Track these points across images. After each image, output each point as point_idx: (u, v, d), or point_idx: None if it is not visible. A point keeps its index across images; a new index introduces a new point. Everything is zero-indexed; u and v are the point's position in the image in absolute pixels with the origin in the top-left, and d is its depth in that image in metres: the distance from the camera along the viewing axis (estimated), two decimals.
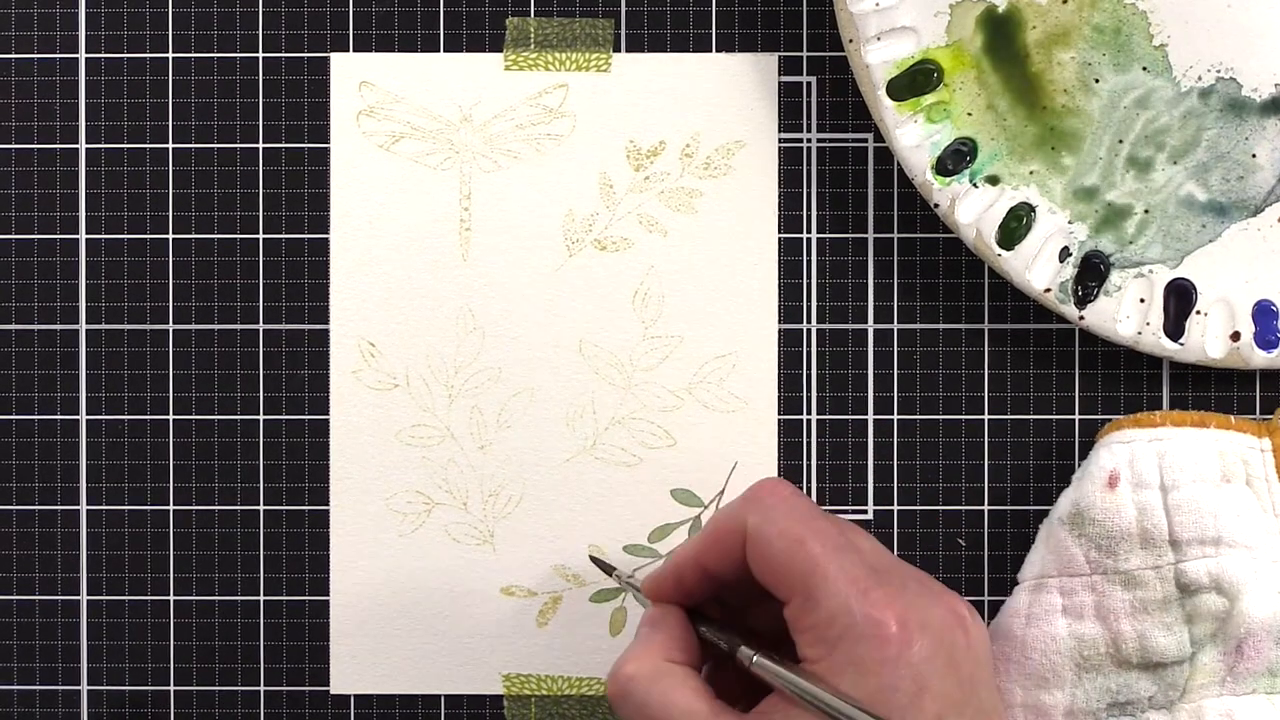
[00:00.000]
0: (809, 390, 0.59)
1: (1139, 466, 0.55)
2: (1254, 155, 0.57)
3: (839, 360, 0.59)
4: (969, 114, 0.57)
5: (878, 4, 0.56)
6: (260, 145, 0.59)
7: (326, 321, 0.59)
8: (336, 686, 0.59)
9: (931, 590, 0.49)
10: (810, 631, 0.48)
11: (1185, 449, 0.56)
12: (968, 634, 0.49)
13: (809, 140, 0.59)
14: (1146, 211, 0.57)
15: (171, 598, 0.59)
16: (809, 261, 0.59)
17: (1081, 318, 0.57)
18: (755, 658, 0.49)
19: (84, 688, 0.59)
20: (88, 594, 0.59)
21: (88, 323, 0.59)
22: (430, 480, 0.59)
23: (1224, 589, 0.55)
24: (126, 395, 0.59)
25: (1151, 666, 0.55)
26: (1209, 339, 0.57)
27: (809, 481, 0.59)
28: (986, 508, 0.59)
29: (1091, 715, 0.56)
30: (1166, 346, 0.57)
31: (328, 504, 0.59)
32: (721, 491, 0.59)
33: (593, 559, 0.58)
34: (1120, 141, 0.57)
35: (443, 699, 0.59)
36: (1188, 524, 0.55)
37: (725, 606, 0.53)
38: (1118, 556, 0.55)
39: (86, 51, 0.59)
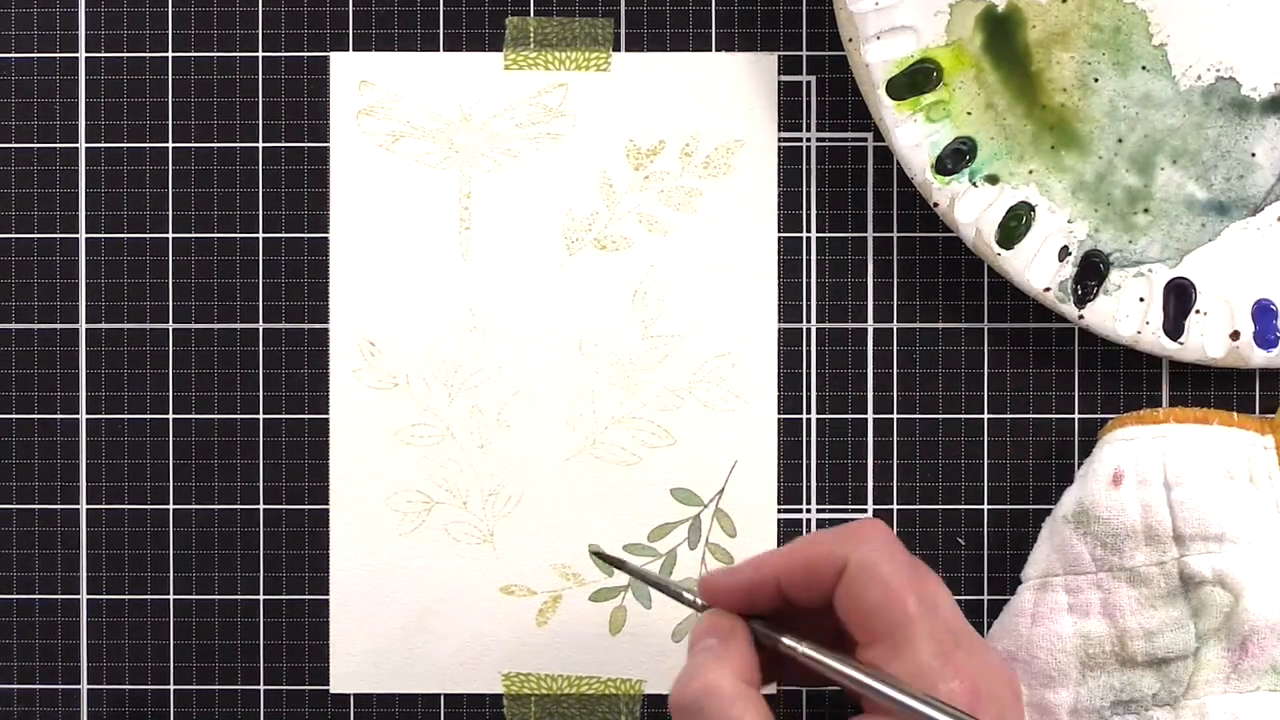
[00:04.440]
0: (809, 389, 0.59)
1: (1143, 464, 0.56)
2: (1253, 155, 0.57)
3: (839, 359, 0.59)
4: (968, 113, 0.57)
5: (877, 3, 0.56)
6: (260, 145, 0.59)
7: (326, 321, 0.59)
8: (336, 686, 0.59)
9: (995, 661, 0.50)
10: None
11: (1188, 446, 0.56)
12: (1019, 706, 0.50)
13: (809, 139, 0.59)
14: (1146, 211, 0.57)
15: (171, 597, 0.59)
16: (808, 261, 0.59)
17: (1081, 317, 0.57)
18: (800, 646, 0.49)
19: (84, 687, 0.59)
20: (88, 593, 0.59)
21: (88, 322, 0.59)
22: (430, 479, 0.59)
23: (1228, 585, 0.55)
24: (126, 395, 0.59)
25: (1156, 663, 0.55)
26: (1208, 338, 0.57)
27: (809, 481, 0.59)
28: (986, 507, 0.59)
29: (1096, 713, 0.56)
30: (1166, 345, 0.57)
31: (328, 503, 0.59)
32: (721, 491, 0.59)
33: (597, 554, 0.57)
34: (1120, 141, 0.57)
35: (442, 698, 0.59)
36: (1191, 520, 0.55)
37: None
38: (1123, 553, 0.55)
39: (86, 51, 0.59)
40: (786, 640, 0.50)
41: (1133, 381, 0.59)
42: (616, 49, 0.59)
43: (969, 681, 0.48)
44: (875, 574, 0.49)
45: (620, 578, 0.59)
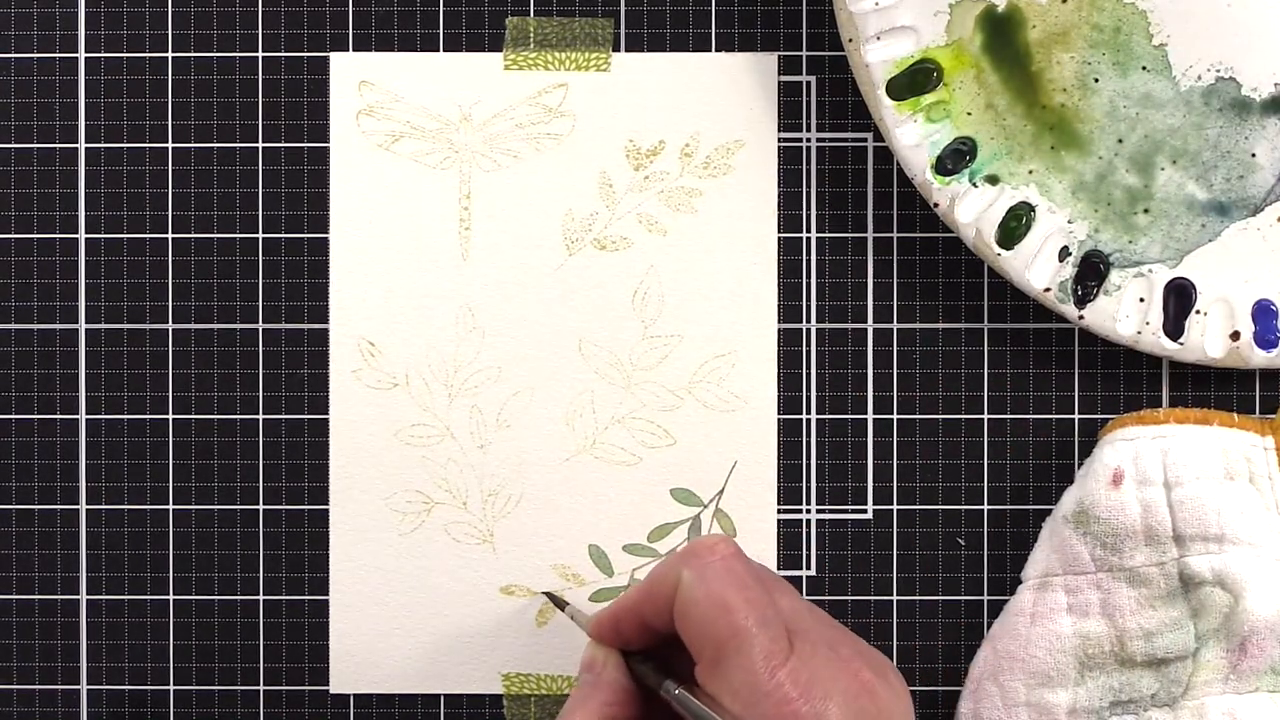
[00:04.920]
0: (809, 390, 0.59)
1: (1143, 464, 0.56)
2: (1254, 155, 0.57)
3: (839, 360, 0.59)
4: (968, 113, 0.57)
5: (877, 3, 0.56)
6: (260, 145, 0.59)
7: (326, 321, 0.59)
8: (336, 686, 0.59)
9: (841, 656, 0.50)
10: (720, 696, 0.49)
11: (1188, 446, 0.56)
12: (876, 700, 0.49)
13: (808, 140, 0.59)
14: (1146, 211, 0.57)
15: (171, 597, 0.59)
16: (808, 261, 0.59)
17: (1081, 317, 0.57)
18: (677, 690, 0.50)
19: (84, 687, 0.59)
20: (87, 594, 0.59)
21: (87, 322, 0.59)
22: (430, 480, 0.59)
23: (1227, 585, 0.55)
24: (126, 395, 0.59)
25: (1155, 664, 0.55)
26: (1208, 338, 0.57)
27: (809, 481, 0.59)
28: (986, 507, 0.59)
29: (1095, 713, 0.56)
30: (1166, 346, 0.57)
31: (327, 503, 0.59)
32: (721, 491, 0.59)
33: (547, 594, 0.58)
34: (1120, 141, 0.57)
35: (442, 699, 0.59)
36: (1191, 520, 0.55)
37: (664, 660, 0.53)
38: (1123, 554, 0.55)
39: (86, 51, 0.59)
40: (664, 681, 0.51)
41: (1133, 382, 0.59)
42: (616, 49, 0.59)
43: (798, 689, 0.48)
44: (703, 588, 0.49)
45: (620, 578, 0.59)
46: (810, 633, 0.50)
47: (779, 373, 0.59)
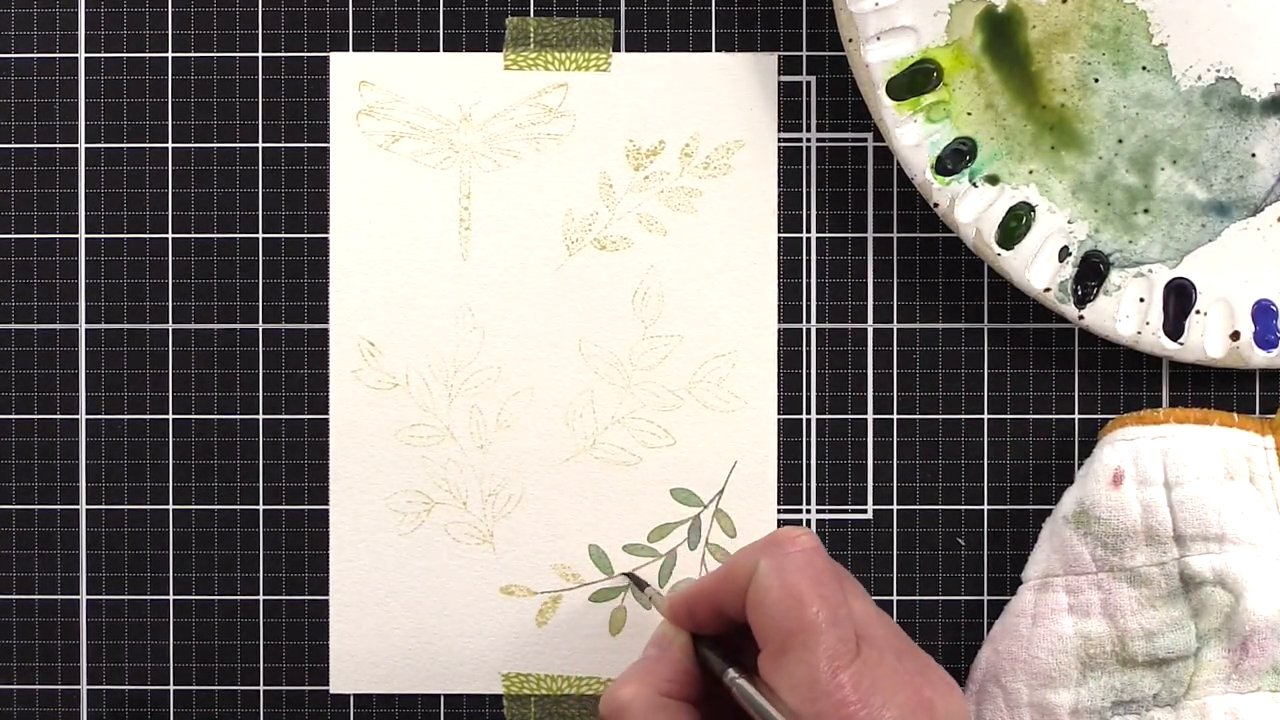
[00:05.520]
0: (809, 390, 0.59)
1: (1143, 464, 0.56)
2: (1254, 155, 0.57)
3: (839, 360, 0.59)
4: (968, 113, 0.57)
5: (877, 3, 0.56)
6: (260, 145, 0.59)
7: (326, 321, 0.59)
8: (336, 686, 0.59)
9: (905, 669, 0.50)
10: (779, 688, 0.48)
11: (1189, 446, 0.56)
12: (933, 718, 0.49)
13: (808, 140, 0.59)
14: (1146, 211, 0.57)
15: (171, 597, 0.59)
16: (809, 261, 0.59)
17: (1081, 317, 0.57)
18: (735, 679, 0.50)
19: (84, 687, 0.59)
20: (87, 594, 0.59)
21: (87, 322, 0.59)
22: (430, 480, 0.59)
23: (1228, 585, 0.55)
24: (126, 395, 0.59)
25: (1157, 664, 0.55)
26: (1208, 338, 0.57)
27: (809, 481, 0.59)
28: (986, 507, 0.59)
29: (1097, 714, 0.56)
30: (1166, 346, 0.57)
31: (327, 504, 0.59)
32: (721, 491, 0.59)
33: (628, 575, 0.58)
34: (1120, 141, 0.57)
35: (442, 699, 0.59)
36: (1191, 520, 0.55)
37: (733, 648, 0.52)
38: (1123, 554, 0.55)
39: (86, 51, 0.59)
40: (727, 669, 0.51)
41: (1133, 382, 0.59)
42: (616, 49, 0.59)
43: (858, 696, 0.47)
44: (777, 579, 0.49)
45: (620, 578, 0.59)
46: (879, 640, 0.50)
47: (779, 373, 0.59)
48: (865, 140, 0.59)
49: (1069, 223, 0.57)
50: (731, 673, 0.50)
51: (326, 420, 0.59)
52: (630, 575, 0.58)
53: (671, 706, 0.50)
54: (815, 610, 0.48)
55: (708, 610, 0.51)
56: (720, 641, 0.52)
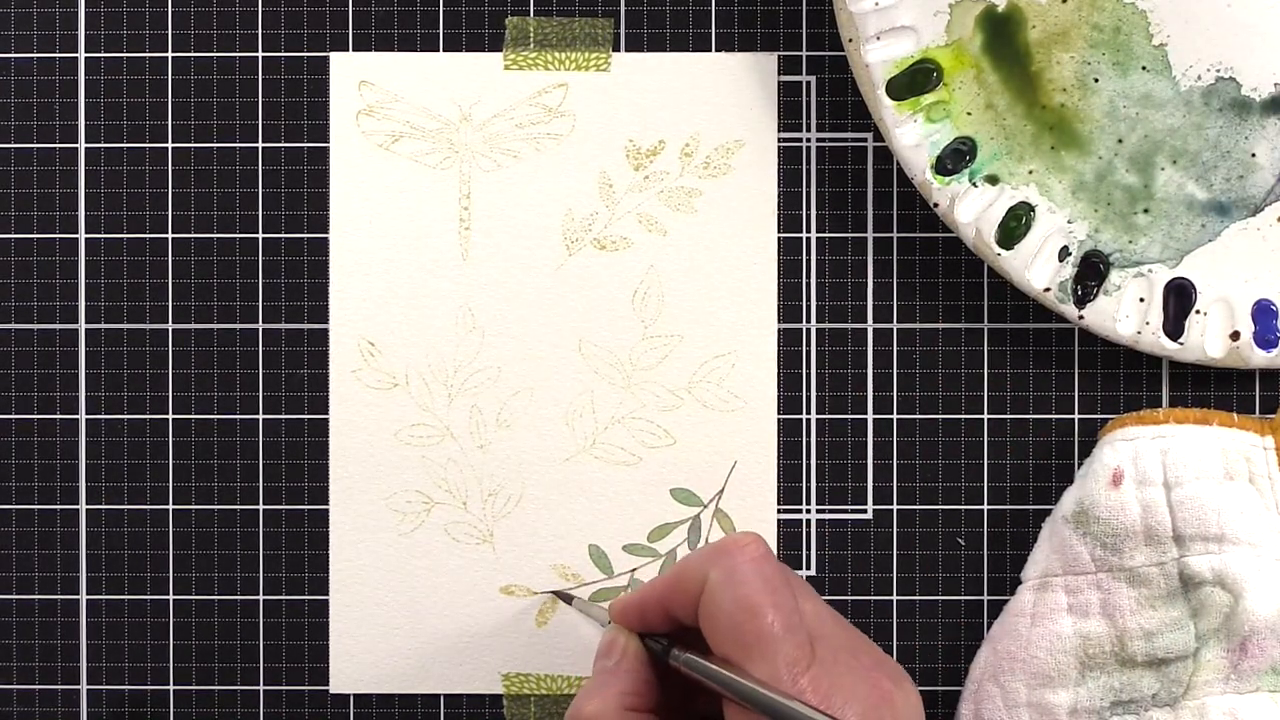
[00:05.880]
0: (809, 390, 0.59)
1: (1143, 464, 0.56)
2: (1254, 155, 0.57)
3: (838, 360, 0.59)
4: (968, 113, 0.57)
5: (877, 3, 0.56)
6: (260, 145, 0.59)
7: (326, 321, 0.59)
8: (336, 686, 0.59)
9: (861, 665, 0.50)
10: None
11: (1188, 446, 0.56)
12: (894, 710, 0.50)
13: (808, 140, 0.59)
14: (1146, 211, 0.57)
15: (171, 597, 0.59)
16: (808, 261, 0.59)
17: (1081, 317, 0.57)
18: (681, 654, 0.50)
19: (84, 687, 0.59)
20: (87, 594, 0.59)
21: (87, 322, 0.59)
22: (430, 479, 0.59)
23: (1227, 585, 0.55)
24: (126, 395, 0.59)
25: (1156, 664, 0.55)
26: (1208, 338, 0.57)
27: (809, 481, 0.59)
28: (986, 507, 0.59)
29: (1096, 713, 0.56)
30: (1166, 346, 0.57)
31: (327, 503, 0.59)
32: (721, 491, 0.59)
33: (554, 592, 0.58)
34: (1120, 141, 0.57)
35: (442, 699, 0.59)
36: (1191, 520, 0.55)
37: (684, 644, 0.52)
38: (1123, 554, 0.55)
39: (86, 51, 0.59)
40: (670, 649, 0.51)
41: (1133, 382, 0.59)
42: (616, 49, 0.59)
43: (818, 698, 0.48)
44: (730, 588, 0.49)
45: (620, 578, 0.59)
46: (831, 639, 0.50)
47: (779, 373, 0.59)
48: (865, 140, 0.59)
49: (1069, 223, 0.57)
50: (675, 651, 0.51)
51: (326, 420, 0.59)
52: (556, 592, 0.58)
53: None
54: (770, 620, 0.49)
55: (658, 614, 0.52)
56: (669, 636, 0.52)
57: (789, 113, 0.59)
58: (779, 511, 0.59)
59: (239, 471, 0.59)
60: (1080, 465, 0.58)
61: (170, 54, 0.59)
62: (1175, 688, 0.55)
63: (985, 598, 0.59)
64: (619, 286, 0.59)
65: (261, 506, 0.59)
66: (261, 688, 0.59)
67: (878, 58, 0.56)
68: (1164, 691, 0.56)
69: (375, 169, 0.59)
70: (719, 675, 0.49)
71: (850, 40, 0.56)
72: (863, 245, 0.59)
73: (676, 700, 0.53)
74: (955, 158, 0.57)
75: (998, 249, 0.57)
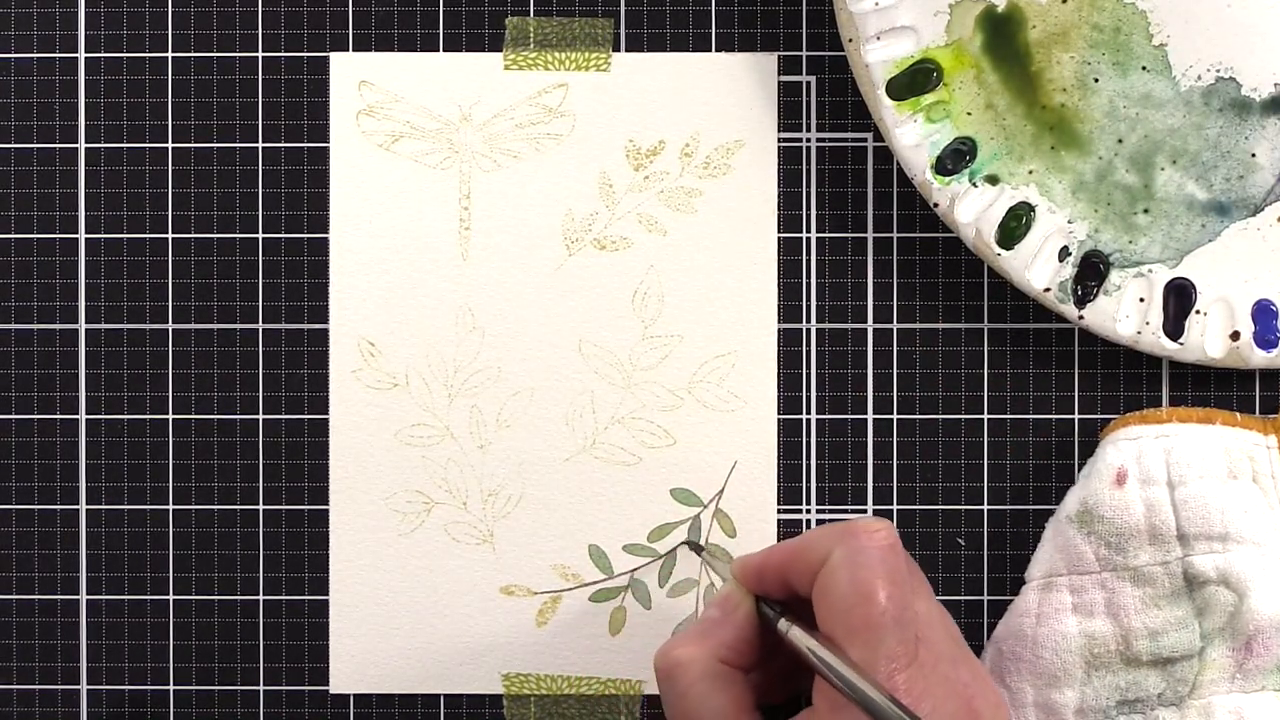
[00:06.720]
0: (809, 390, 0.59)
1: (1146, 463, 0.56)
2: (1254, 155, 0.57)
3: (839, 360, 0.59)
4: (968, 113, 0.57)
5: (877, 3, 0.56)
6: (260, 145, 0.59)
7: (326, 321, 0.59)
8: (336, 686, 0.59)
9: (959, 678, 0.50)
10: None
11: (1191, 445, 0.56)
12: None
13: (808, 140, 0.59)
14: (1146, 211, 0.57)
15: (171, 597, 0.59)
16: (808, 261, 0.59)
17: (1081, 317, 0.57)
18: (792, 627, 0.50)
19: (84, 687, 0.59)
20: (87, 594, 0.59)
21: (87, 322, 0.59)
22: (430, 480, 0.59)
23: (1232, 584, 0.55)
24: (126, 395, 0.59)
25: (1161, 663, 0.55)
26: (1208, 338, 0.57)
27: (809, 481, 0.59)
28: (986, 507, 0.59)
29: (1102, 713, 0.56)
30: (1166, 346, 0.57)
31: (327, 504, 0.59)
32: (721, 491, 0.59)
33: (687, 542, 0.58)
34: (1120, 141, 0.57)
35: (442, 699, 0.59)
36: (1195, 520, 0.55)
37: (794, 614, 0.52)
38: (1127, 553, 0.55)
39: (86, 51, 0.59)
40: (780, 618, 0.50)
41: (1133, 382, 0.59)
42: (616, 49, 0.59)
43: (913, 699, 0.48)
44: (850, 569, 0.49)
45: (620, 578, 0.59)
46: (936, 645, 0.50)
47: (779, 373, 0.59)
48: (865, 140, 0.59)
49: (1069, 223, 0.57)
50: (784, 622, 0.50)
51: (326, 420, 0.59)
52: (689, 542, 0.58)
53: (725, 674, 0.51)
54: (882, 609, 0.48)
55: (775, 580, 0.52)
56: (782, 608, 0.52)
57: (789, 113, 0.59)
58: (779, 512, 0.59)
59: (239, 471, 0.59)
60: (1080, 465, 0.58)
61: (170, 54, 0.59)
62: (1181, 687, 0.55)
63: (985, 598, 0.59)
64: (619, 286, 0.59)
65: (261, 506, 0.59)
66: (261, 688, 0.59)
67: (878, 58, 0.56)
68: (1170, 691, 0.56)
69: (375, 169, 0.59)
70: (818, 652, 0.49)
71: (850, 40, 0.56)
72: (863, 245, 0.59)
73: (774, 669, 0.52)
74: (955, 158, 0.57)
75: (998, 249, 0.57)
